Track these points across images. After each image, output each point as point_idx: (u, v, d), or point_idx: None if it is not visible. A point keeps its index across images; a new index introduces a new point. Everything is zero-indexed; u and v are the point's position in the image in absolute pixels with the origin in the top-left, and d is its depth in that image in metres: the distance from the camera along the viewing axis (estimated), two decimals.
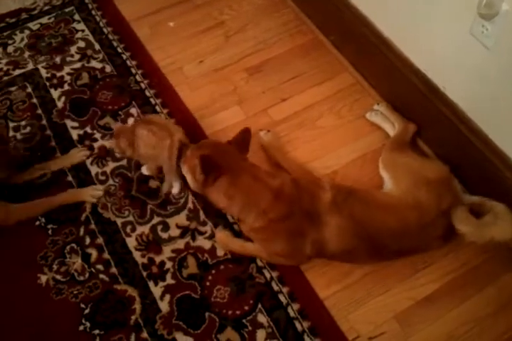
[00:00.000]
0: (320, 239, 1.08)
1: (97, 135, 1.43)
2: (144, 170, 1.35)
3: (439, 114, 1.22)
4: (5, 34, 1.71)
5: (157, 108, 1.49)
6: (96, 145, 1.41)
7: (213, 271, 1.19)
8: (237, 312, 1.14)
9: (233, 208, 1.09)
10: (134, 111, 1.48)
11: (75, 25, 1.71)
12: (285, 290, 1.16)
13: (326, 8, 1.55)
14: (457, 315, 1.12)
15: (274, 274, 1.18)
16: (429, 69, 1.22)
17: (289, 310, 1.13)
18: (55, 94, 1.54)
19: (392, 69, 1.34)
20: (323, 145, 1.40)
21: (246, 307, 1.14)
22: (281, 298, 1.15)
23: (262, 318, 1.13)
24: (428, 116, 1.31)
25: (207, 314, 1.14)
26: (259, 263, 1.19)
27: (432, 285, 1.16)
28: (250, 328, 1.12)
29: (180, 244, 1.24)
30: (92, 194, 1.32)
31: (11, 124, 1.48)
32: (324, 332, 1.10)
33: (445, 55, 1.15)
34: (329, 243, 1.08)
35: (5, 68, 1.61)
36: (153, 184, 1.33)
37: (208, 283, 1.18)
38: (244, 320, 1.12)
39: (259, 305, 1.14)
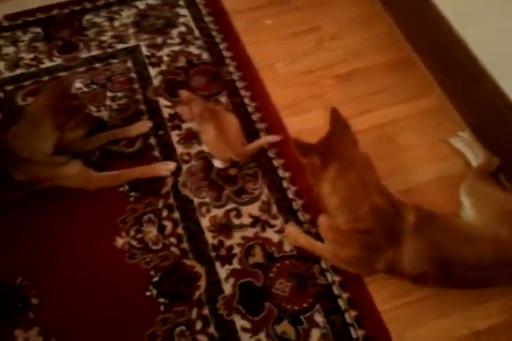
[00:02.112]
0: (395, 258, 1.03)
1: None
2: (216, 164, 1.36)
3: None
4: (113, 9, 1.74)
5: (245, 100, 1.48)
6: (184, 126, 1.43)
7: (278, 264, 1.19)
8: (296, 308, 1.13)
9: (333, 200, 1.05)
10: (223, 99, 1.48)
11: (178, 9, 1.73)
12: (345, 295, 1.14)
13: (423, 27, 1.51)
14: None
15: (337, 278, 1.16)
16: None
17: (346, 315, 1.12)
18: (152, 71, 1.56)
19: (485, 100, 1.30)
20: (401, 162, 1.37)
21: (305, 305, 1.13)
22: (341, 302, 1.13)
23: (318, 318, 1.12)
24: None
25: (267, 303, 1.13)
26: (323, 265, 1.18)
27: (492, 319, 1.12)
28: (306, 325, 1.11)
29: (250, 232, 1.24)
30: (166, 168, 1.34)
31: (109, 94, 1.51)
32: None
33: None
34: (403, 263, 1.03)
35: (109, 41, 1.64)
36: (232, 171, 1.34)
37: (271, 275, 1.17)
38: (301, 317, 1.12)
39: (318, 305, 1.13)
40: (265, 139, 1.38)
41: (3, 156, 1.19)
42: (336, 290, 1.15)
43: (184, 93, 1.33)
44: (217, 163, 1.34)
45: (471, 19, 1.30)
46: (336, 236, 1.11)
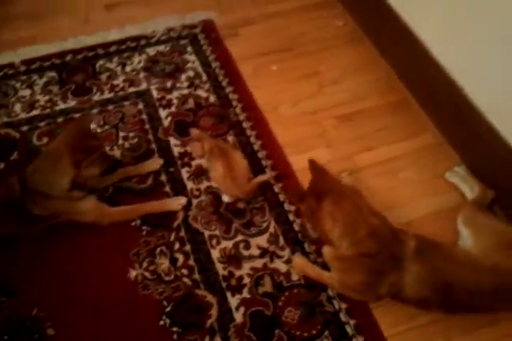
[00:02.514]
0: (398, 282, 1.27)
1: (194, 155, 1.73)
2: (225, 198, 1.62)
3: None
4: (125, 55, 2.11)
5: (251, 139, 1.79)
6: (194, 163, 1.71)
7: (286, 293, 1.41)
8: (305, 335, 1.34)
9: (335, 230, 1.31)
10: (230, 138, 1.79)
11: (187, 56, 2.10)
12: (352, 322, 1.36)
13: (416, 71, 1.85)
14: None
15: (343, 306, 1.39)
16: None
17: None
18: (162, 113, 1.88)
19: (479, 139, 1.59)
20: (401, 196, 1.65)
21: (313, 332, 1.34)
22: (348, 329, 1.35)
23: None
24: (508, 186, 1.53)
25: (277, 331, 1.34)
26: (330, 293, 1.41)
27: None
28: None
29: (258, 263, 1.48)
30: (178, 203, 1.60)
31: (121, 134, 1.81)
32: None
33: None
34: (406, 287, 1.27)
35: (121, 85, 1.99)
36: (240, 205, 1.60)
37: (280, 303, 1.39)
38: None
39: (326, 332, 1.34)
40: (263, 177, 1.64)
41: (22, 191, 1.45)
42: (343, 317, 1.37)
43: (195, 131, 1.64)
44: (226, 198, 1.60)
45: (464, 64, 1.63)
46: (341, 263, 1.35)
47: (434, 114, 1.83)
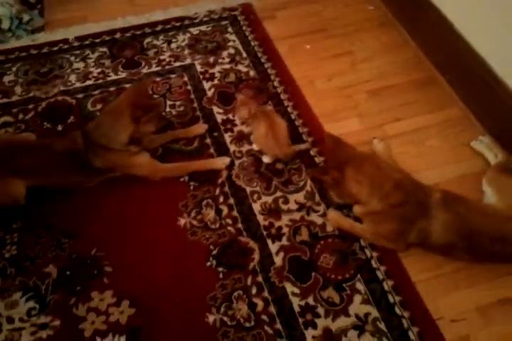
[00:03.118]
0: (426, 229, 1.41)
1: (238, 121, 1.88)
2: (265, 159, 1.76)
3: None
4: (170, 34, 2.27)
5: (289, 109, 1.93)
6: (236, 129, 1.86)
7: (322, 242, 1.55)
8: (339, 278, 1.47)
9: (363, 191, 1.44)
10: (269, 107, 1.92)
11: (227, 35, 2.25)
12: (382, 268, 1.49)
13: (445, 50, 1.98)
14: None
15: (375, 254, 1.52)
16: None
17: (384, 284, 1.45)
18: (206, 85, 2.04)
19: (504, 110, 1.71)
20: (428, 162, 1.77)
21: (347, 275, 1.48)
22: (379, 274, 1.48)
23: (359, 286, 1.45)
24: None
25: (313, 273, 1.48)
26: (362, 243, 1.54)
27: None
28: (349, 292, 1.44)
29: (296, 216, 1.62)
30: (222, 162, 1.75)
31: (168, 102, 1.97)
32: (413, 308, 1.41)
33: None
34: (433, 234, 1.41)
35: (167, 59, 2.15)
36: (279, 166, 1.74)
37: (316, 250, 1.53)
38: (344, 285, 1.46)
39: (359, 276, 1.47)
40: (302, 146, 1.78)
41: (85, 144, 1.60)
42: (374, 263, 1.50)
43: (240, 96, 1.79)
44: (266, 159, 1.75)
45: (491, 41, 1.74)
46: (372, 216, 1.49)
47: (460, 89, 1.95)
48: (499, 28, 1.66)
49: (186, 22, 2.32)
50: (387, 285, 1.45)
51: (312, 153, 1.78)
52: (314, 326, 1.39)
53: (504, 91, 1.69)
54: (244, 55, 2.16)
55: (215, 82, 2.05)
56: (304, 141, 1.81)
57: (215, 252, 1.54)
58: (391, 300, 1.42)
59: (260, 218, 1.61)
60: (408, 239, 1.44)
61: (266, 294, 1.45)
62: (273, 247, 1.54)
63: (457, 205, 1.42)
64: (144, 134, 1.66)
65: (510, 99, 1.68)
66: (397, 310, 1.40)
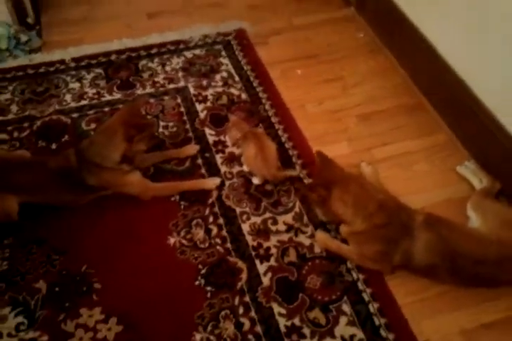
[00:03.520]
0: (409, 250, 1.46)
1: (229, 142, 1.94)
2: (255, 180, 1.82)
3: None
4: (165, 56, 2.37)
5: (279, 132, 2.00)
6: (227, 150, 1.92)
7: (309, 263, 1.59)
8: (326, 299, 1.51)
9: (348, 211, 1.51)
10: (260, 130, 1.99)
11: (221, 59, 2.35)
12: (369, 290, 1.53)
13: (432, 77, 2.08)
14: None
15: (361, 276, 1.56)
16: None
17: (370, 306, 1.49)
18: (199, 107, 2.11)
19: (489, 137, 1.79)
20: (415, 186, 1.84)
21: (333, 297, 1.52)
22: (365, 296, 1.52)
23: (346, 308, 1.49)
24: None
25: (300, 294, 1.52)
26: (349, 265, 1.58)
27: (499, 314, 1.49)
28: (335, 313, 1.48)
29: (285, 237, 1.66)
30: (213, 182, 1.80)
31: (161, 123, 2.04)
32: (398, 330, 1.45)
33: None
34: (416, 255, 1.46)
35: (162, 81, 2.23)
36: (268, 187, 1.80)
37: (303, 271, 1.57)
38: (330, 306, 1.49)
39: (345, 298, 1.51)
40: (293, 172, 1.84)
41: (78, 162, 1.65)
42: (360, 285, 1.54)
43: (233, 117, 1.87)
44: (256, 180, 1.81)
45: (476, 70, 1.84)
46: (358, 237, 1.55)
47: (447, 115, 2.04)
48: (484, 57, 1.77)
49: (181, 46, 2.42)
50: (373, 307, 1.49)
51: (301, 175, 1.84)
52: None
53: (488, 118, 1.78)
54: (237, 78, 2.25)
55: (208, 104, 2.12)
56: (294, 166, 1.87)
57: (203, 271, 1.57)
58: (376, 322, 1.46)
59: (249, 238, 1.66)
60: (393, 260, 1.49)
61: (253, 314, 1.48)
62: (261, 267, 1.58)
63: (440, 227, 1.48)
64: (136, 153, 1.72)
65: (493, 126, 1.76)
66: (382, 332, 1.44)
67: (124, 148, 1.64)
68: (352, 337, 1.43)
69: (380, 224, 1.48)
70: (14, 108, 2.10)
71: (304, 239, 1.65)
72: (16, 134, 1.98)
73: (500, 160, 1.79)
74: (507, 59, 1.66)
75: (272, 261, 1.60)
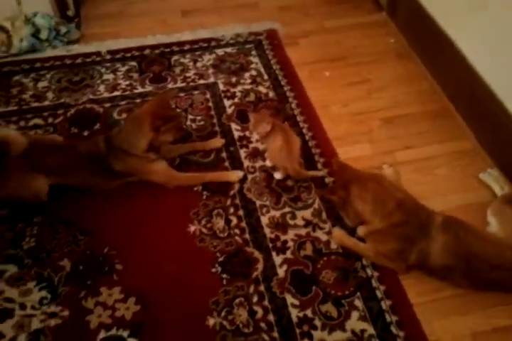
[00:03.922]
0: (425, 250, 1.50)
1: (253, 138, 2.02)
2: (277, 175, 1.89)
3: None
4: (197, 53, 2.47)
5: (304, 130, 2.07)
6: (251, 145, 2.00)
7: (325, 258, 1.64)
8: (339, 293, 1.56)
9: (367, 208, 1.56)
10: (286, 125, 2.06)
11: (251, 58, 2.43)
12: (382, 288, 1.57)
13: (460, 85, 2.11)
14: None
15: (375, 274, 1.60)
16: None
17: (382, 303, 1.53)
18: (226, 103, 2.20)
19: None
20: (435, 190, 1.87)
21: (346, 292, 1.56)
22: (378, 293, 1.56)
23: (358, 303, 1.53)
24: None
25: (314, 287, 1.57)
26: (364, 262, 1.63)
27: (510, 320, 1.50)
28: (347, 308, 1.52)
29: (302, 231, 1.72)
30: (236, 175, 1.88)
31: (190, 117, 2.13)
32: (409, 328, 1.48)
33: None
34: (432, 255, 1.50)
35: (192, 77, 2.33)
36: (289, 183, 1.85)
37: (319, 266, 1.62)
38: (343, 300, 1.54)
39: (358, 293, 1.55)
40: (318, 172, 1.90)
41: (107, 148, 1.75)
42: (374, 282, 1.58)
43: (253, 114, 1.95)
44: (278, 175, 1.87)
45: (504, 79, 1.87)
46: (375, 235, 1.60)
47: (473, 122, 2.07)
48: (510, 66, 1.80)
49: (213, 43, 2.52)
50: (385, 304, 1.52)
51: (324, 175, 1.89)
52: (310, 337, 1.47)
53: None
54: (266, 77, 2.32)
55: (236, 100, 2.21)
56: (316, 164, 1.92)
57: (221, 259, 1.64)
58: (388, 319, 1.50)
59: (267, 231, 1.72)
60: (409, 260, 1.53)
61: (266, 303, 1.54)
62: (277, 259, 1.64)
63: (458, 229, 1.52)
64: (163, 143, 1.80)
65: None
66: (393, 329, 1.47)
67: (151, 137, 1.73)
68: (362, 331, 1.47)
69: (398, 222, 1.52)
70: (50, 95, 2.23)
71: (321, 235, 1.71)
72: (50, 120, 2.11)
73: None
74: None
75: (288, 254, 1.65)
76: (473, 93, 2.03)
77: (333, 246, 1.67)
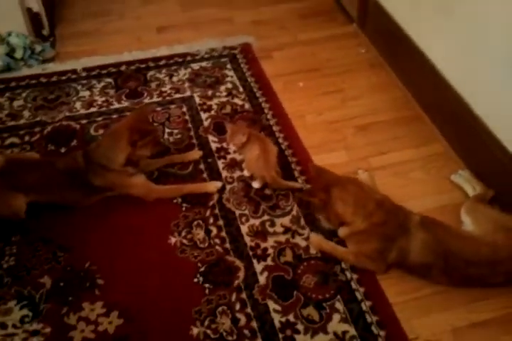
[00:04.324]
0: (405, 248, 1.57)
1: (231, 149, 2.08)
2: (255, 184, 1.95)
3: None
4: (172, 68, 2.54)
5: (279, 140, 2.14)
6: (228, 156, 2.06)
7: (305, 263, 1.69)
8: (320, 297, 1.61)
9: (348, 210, 1.62)
10: (262, 134, 2.13)
11: (226, 71, 2.52)
12: (361, 289, 1.62)
13: (430, 92, 2.21)
14: None
15: (355, 276, 1.65)
16: None
17: (362, 304, 1.58)
18: (203, 115, 2.27)
19: (480, 143, 1.91)
20: (411, 193, 1.94)
21: (327, 295, 1.61)
22: (357, 294, 1.61)
23: (339, 306, 1.58)
24: (507, 186, 1.82)
25: (295, 292, 1.62)
26: (343, 266, 1.68)
27: (489, 314, 1.57)
28: (328, 311, 1.57)
29: (282, 238, 1.77)
30: (214, 186, 1.93)
31: (167, 130, 2.19)
32: (389, 327, 1.53)
33: None
34: (412, 253, 1.57)
35: (169, 91, 2.40)
36: (267, 191, 1.92)
37: (299, 271, 1.67)
38: (324, 304, 1.59)
39: (338, 296, 1.61)
40: (295, 184, 1.95)
41: (86, 164, 1.79)
42: (353, 285, 1.63)
43: (229, 124, 2.02)
44: (256, 184, 1.93)
45: (473, 84, 1.97)
46: (357, 236, 1.66)
47: (444, 127, 2.17)
48: (481, 73, 1.90)
49: (188, 58, 2.60)
50: (365, 305, 1.58)
51: (300, 181, 1.96)
52: None
53: (482, 130, 1.89)
54: (241, 89, 2.40)
55: (212, 113, 2.28)
56: (293, 172, 1.99)
57: (202, 269, 1.68)
58: (368, 319, 1.55)
59: (247, 239, 1.77)
60: (389, 258, 1.60)
61: (249, 310, 1.57)
62: (258, 266, 1.68)
63: (435, 227, 1.60)
64: (140, 157, 1.85)
65: (487, 136, 1.88)
66: (374, 329, 1.52)
67: (128, 152, 1.78)
68: (344, 333, 1.52)
69: (379, 222, 1.60)
70: (26, 113, 2.27)
71: (300, 241, 1.76)
72: (27, 138, 2.15)
73: (493, 170, 1.90)
74: (502, 76, 1.78)
75: (269, 261, 1.70)
76: (443, 100, 2.13)
77: (313, 251, 1.73)
